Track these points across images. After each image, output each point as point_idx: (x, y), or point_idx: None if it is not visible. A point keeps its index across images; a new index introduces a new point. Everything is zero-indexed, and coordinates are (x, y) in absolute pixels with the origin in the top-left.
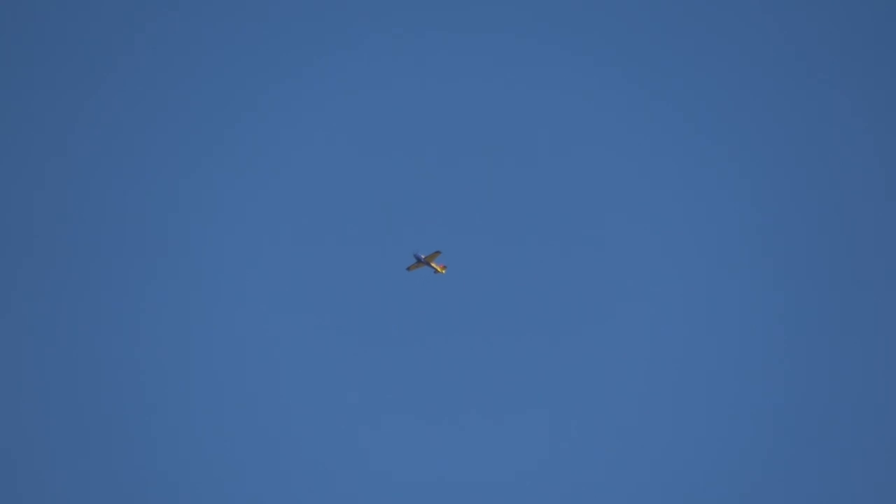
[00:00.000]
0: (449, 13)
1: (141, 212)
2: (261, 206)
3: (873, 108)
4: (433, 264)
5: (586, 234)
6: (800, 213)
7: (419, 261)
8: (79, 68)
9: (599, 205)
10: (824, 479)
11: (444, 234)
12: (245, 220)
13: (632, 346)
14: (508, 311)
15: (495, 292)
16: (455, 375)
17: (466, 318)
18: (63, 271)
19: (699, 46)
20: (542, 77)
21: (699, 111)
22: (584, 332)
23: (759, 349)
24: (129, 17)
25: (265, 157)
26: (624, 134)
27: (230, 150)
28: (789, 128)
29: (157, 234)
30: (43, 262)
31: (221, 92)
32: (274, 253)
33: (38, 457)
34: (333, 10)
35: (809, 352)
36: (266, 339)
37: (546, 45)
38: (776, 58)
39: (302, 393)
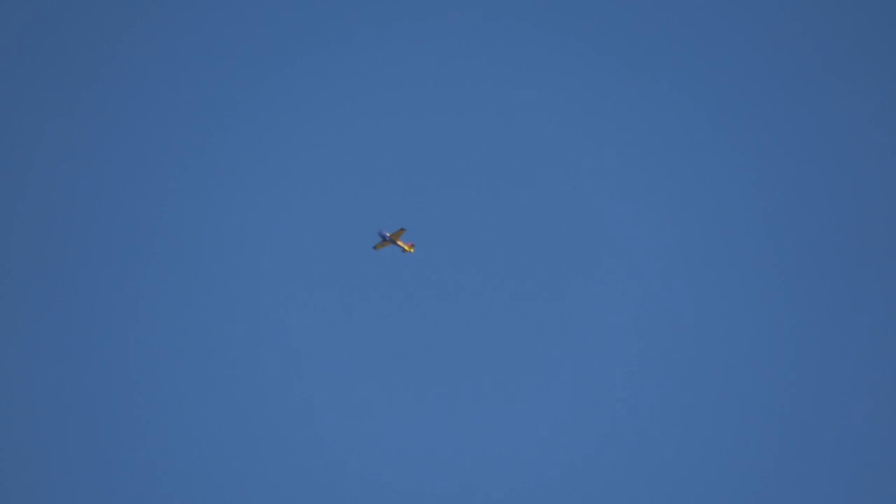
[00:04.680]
0: (445, 12)
1: (140, 212)
2: (259, 205)
3: (875, 103)
4: (399, 242)
5: (584, 228)
6: (797, 207)
7: (384, 239)
8: (79, 67)
9: (596, 200)
10: (822, 478)
11: (440, 225)
12: (243, 219)
13: (629, 340)
14: (504, 311)
15: (493, 287)
16: (451, 367)
17: (462, 312)
18: (63, 272)
19: (694, 42)
20: (534, 74)
21: (694, 107)
22: (578, 327)
23: (755, 345)
24: (131, 16)
25: (262, 156)
26: (620, 128)
27: (226, 150)
28: (785, 122)
29: (157, 234)
30: (43, 263)
31: (218, 91)
32: (271, 251)
33: (39, 457)
34: (329, 9)
35: (806, 348)
36: (264, 335)
37: (540, 43)
38: (773, 52)
39: (299, 389)
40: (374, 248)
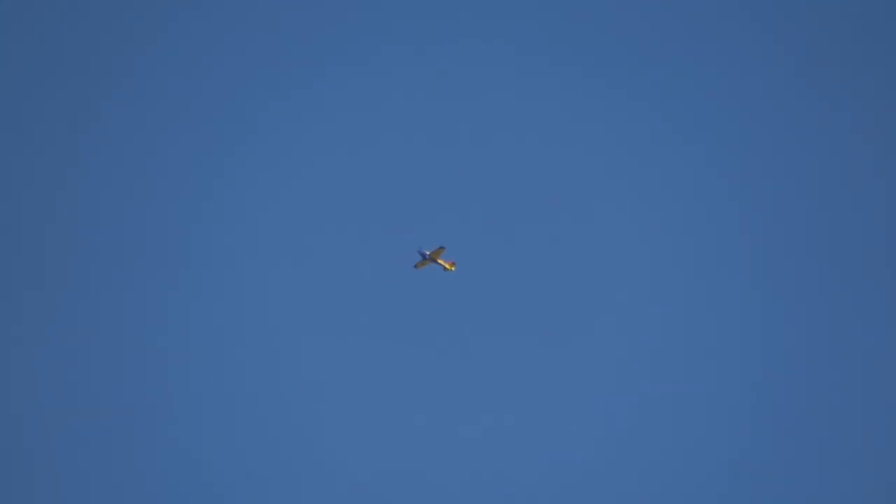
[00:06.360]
0: (451, 23)
1: (143, 215)
2: (266, 208)
3: (867, 109)
4: (440, 261)
5: (587, 235)
6: (792, 214)
7: (424, 258)
8: (87, 73)
9: (594, 208)
10: (818, 482)
11: (447, 235)
12: (250, 222)
13: (629, 347)
14: (503, 312)
15: (492, 293)
16: (456, 375)
17: (468, 318)
18: (65, 273)
19: (686, 48)
20: (536, 83)
21: (690, 113)
22: (578, 334)
23: (752, 352)
24: (139, 24)
25: (271, 160)
26: (618, 137)
27: (234, 153)
28: (779, 129)
29: (159, 237)
30: (46, 264)
31: (225, 97)
32: (279, 256)
33: (38, 457)
34: (339, 21)
35: (803, 353)
36: (271, 340)
37: (539, 52)
38: (765, 57)
39: (307, 394)
40: (415, 266)
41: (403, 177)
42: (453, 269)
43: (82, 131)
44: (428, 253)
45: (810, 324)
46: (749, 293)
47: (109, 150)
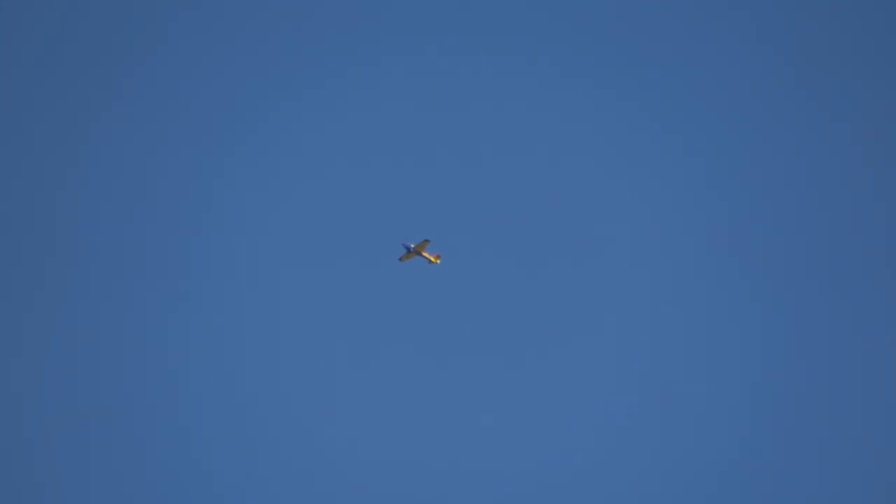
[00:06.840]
0: (452, 25)
1: (143, 216)
2: (266, 209)
3: (867, 110)
4: (425, 254)
5: (586, 237)
6: (792, 214)
7: (409, 250)
8: (86, 76)
9: (593, 210)
10: (818, 482)
11: (442, 238)
12: (250, 223)
13: (628, 348)
14: (502, 314)
15: (491, 295)
16: (456, 376)
17: (467, 320)
18: (65, 274)
19: (688, 50)
20: (536, 85)
21: (689, 116)
22: (577, 334)
23: (752, 352)
24: (143, 26)
25: (271, 162)
26: (616, 139)
27: (234, 154)
28: (779, 130)
29: (159, 238)
30: (46, 266)
31: (225, 102)
32: (279, 257)
33: (38, 458)
34: (339, 26)
35: (803, 353)
36: (271, 340)
37: (535, 55)
38: (766, 60)
39: (307, 394)
40: (400, 259)
41: (403, 179)
42: (438, 261)
43: (83, 132)
44: (413, 246)
45: (810, 324)
46: (748, 293)
47: (109, 151)
